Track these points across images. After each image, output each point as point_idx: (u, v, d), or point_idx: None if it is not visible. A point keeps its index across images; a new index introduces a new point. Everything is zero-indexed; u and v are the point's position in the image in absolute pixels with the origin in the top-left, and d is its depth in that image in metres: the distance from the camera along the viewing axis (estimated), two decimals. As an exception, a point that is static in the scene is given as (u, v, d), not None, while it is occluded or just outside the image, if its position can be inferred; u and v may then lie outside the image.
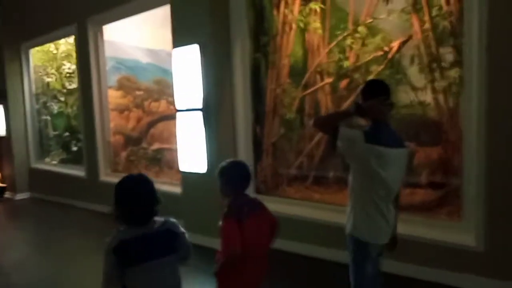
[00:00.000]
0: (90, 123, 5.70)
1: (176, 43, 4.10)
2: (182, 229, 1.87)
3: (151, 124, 5.48)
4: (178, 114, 4.15)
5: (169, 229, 1.82)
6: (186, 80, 4.10)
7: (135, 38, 5.43)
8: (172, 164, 5.00)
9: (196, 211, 4.13)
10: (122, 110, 5.64)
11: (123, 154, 5.66)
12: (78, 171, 6.14)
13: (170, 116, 4.94)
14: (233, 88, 4.11)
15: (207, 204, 3.93)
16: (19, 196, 6.96)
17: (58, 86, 6.63)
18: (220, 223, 1.98)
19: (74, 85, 6.28)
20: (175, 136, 4.37)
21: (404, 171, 2.14)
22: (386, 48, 3.28)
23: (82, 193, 5.93)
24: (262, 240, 2.06)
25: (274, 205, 3.29)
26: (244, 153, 4.11)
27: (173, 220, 1.86)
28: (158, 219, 1.82)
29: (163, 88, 5.23)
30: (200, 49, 3.90)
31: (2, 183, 7.17)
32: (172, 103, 4.59)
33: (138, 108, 5.55)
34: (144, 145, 5.45)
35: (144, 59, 5.51)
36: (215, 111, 3.96)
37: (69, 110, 6.48)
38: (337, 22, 3.53)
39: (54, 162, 6.81)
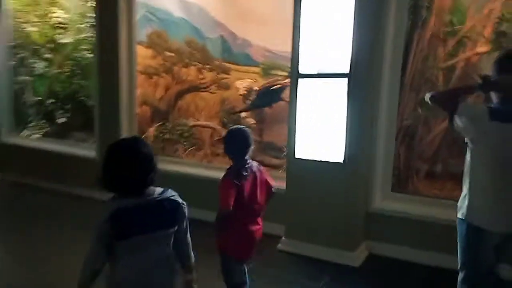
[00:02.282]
0: (111, 89, 4.42)
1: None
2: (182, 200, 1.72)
3: (180, 95, 4.46)
4: (300, 81, 3.34)
5: (169, 199, 1.66)
6: (322, 34, 3.26)
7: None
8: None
9: (309, 214, 3.34)
10: (151, 74, 4.45)
11: (151, 130, 4.47)
12: (84, 150, 4.79)
13: (199, 87, 4.35)
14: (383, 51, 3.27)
15: (329, 205, 3.14)
16: None
17: (41, 40, 5.16)
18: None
19: (67, 39, 4.91)
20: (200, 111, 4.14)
21: None
22: None
23: (88, 179, 4.51)
24: (257, 201, 2.31)
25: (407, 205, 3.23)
26: (385, 136, 3.32)
27: (171, 190, 1.70)
28: (155, 188, 1.66)
29: (193, 51, 4.33)
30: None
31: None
32: (201, 70, 4.21)
33: (167, 73, 4.43)
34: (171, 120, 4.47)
35: (176, 12, 4.36)
36: (362, 80, 3.12)
37: (56, 71, 5.09)
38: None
39: (36, 136, 5.34)
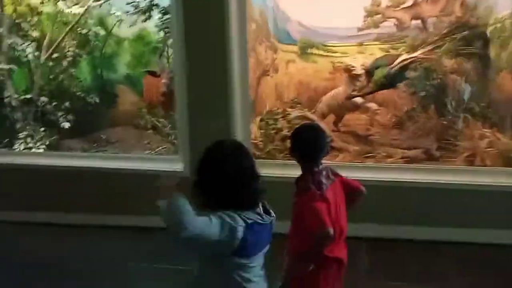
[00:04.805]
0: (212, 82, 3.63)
1: None
2: None
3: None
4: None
5: (269, 212, 1.53)
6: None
7: None
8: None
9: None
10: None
11: (252, 127, 3.85)
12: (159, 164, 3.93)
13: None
14: None
15: None
16: None
17: (23, 8, 4.04)
18: (295, 199, 1.86)
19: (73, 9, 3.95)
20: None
21: None
22: None
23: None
24: (341, 216, 1.90)
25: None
26: None
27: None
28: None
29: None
30: None
31: None
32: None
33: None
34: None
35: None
36: None
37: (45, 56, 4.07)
38: None
39: (39, 149, 4.21)
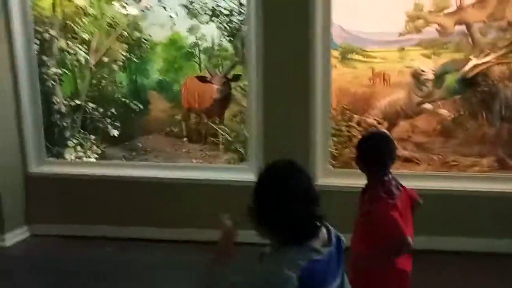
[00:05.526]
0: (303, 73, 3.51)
1: None
2: None
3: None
4: None
5: (339, 237, 1.33)
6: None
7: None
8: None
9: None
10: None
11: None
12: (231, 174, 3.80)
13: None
14: None
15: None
16: (10, 240, 3.86)
17: (73, 10, 3.90)
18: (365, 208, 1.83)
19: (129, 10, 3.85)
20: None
21: None
22: None
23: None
24: (409, 227, 1.85)
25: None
26: None
27: None
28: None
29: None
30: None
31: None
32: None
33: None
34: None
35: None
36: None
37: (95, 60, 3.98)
38: None
39: (91, 158, 4.11)
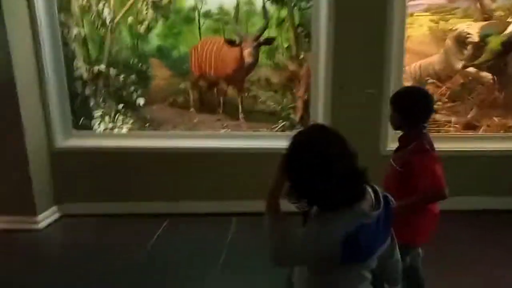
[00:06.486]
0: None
1: None
2: None
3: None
4: None
5: (387, 199, 1.32)
6: None
7: None
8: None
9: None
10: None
11: None
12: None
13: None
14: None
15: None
16: (43, 222, 3.61)
17: None
18: (406, 158, 1.87)
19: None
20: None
21: None
22: None
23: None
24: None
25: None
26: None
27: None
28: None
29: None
30: None
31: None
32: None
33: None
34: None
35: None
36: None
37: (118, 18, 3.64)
38: None
39: (123, 129, 3.87)
